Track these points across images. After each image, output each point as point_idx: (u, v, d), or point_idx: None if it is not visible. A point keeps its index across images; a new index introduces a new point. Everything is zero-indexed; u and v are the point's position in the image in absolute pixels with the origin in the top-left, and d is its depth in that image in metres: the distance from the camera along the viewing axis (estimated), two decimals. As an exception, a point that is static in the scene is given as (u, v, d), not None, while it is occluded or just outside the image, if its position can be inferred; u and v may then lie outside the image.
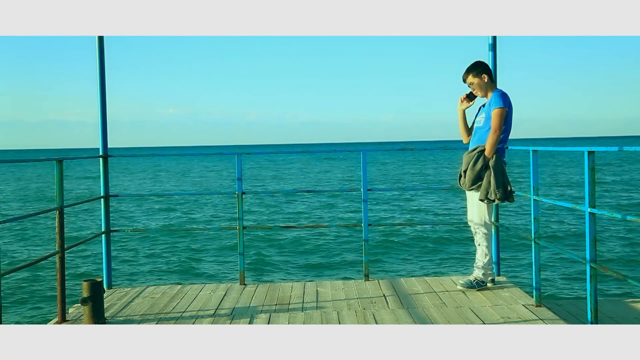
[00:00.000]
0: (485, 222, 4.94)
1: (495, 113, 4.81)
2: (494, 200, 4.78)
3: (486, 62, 5.23)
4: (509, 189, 4.80)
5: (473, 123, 5.20)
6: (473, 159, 4.87)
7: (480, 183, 4.84)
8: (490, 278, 5.09)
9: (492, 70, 5.31)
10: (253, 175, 45.38)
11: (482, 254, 5.00)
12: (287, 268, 12.26)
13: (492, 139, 4.79)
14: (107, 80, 5.44)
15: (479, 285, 4.99)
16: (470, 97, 5.11)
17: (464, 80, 5.11)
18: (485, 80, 4.99)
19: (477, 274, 5.02)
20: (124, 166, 65.49)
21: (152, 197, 26.40)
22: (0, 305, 3.53)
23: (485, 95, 5.02)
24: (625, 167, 45.96)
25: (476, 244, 5.05)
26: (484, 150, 4.85)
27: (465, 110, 5.20)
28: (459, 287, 5.02)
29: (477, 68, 5.01)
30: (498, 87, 5.07)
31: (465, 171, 4.94)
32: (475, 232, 5.02)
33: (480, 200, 4.85)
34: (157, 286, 5.56)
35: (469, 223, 5.12)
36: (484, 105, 5.08)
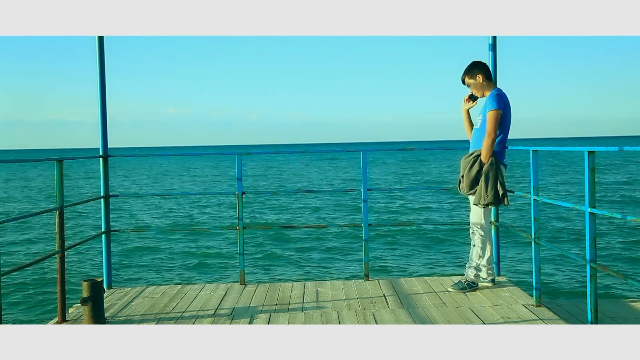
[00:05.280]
0: (481, 224, 4.95)
1: (489, 116, 4.79)
2: (487, 205, 4.79)
3: (485, 61, 5.22)
4: (500, 192, 4.78)
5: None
6: (469, 164, 4.88)
7: (477, 187, 4.86)
8: (490, 278, 5.09)
9: (492, 70, 5.31)
10: (257, 175, 45.40)
11: (476, 255, 5.01)
12: (287, 268, 12.26)
13: (487, 142, 4.77)
14: (107, 80, 5.45)
15: (470, 287, 4.98)
16: (473, 97, 5.12)
17: (463, 82, 5.12)
18: (481, 81, 4.97)
19: (469, 274, 5.02)
20: (124, 166, 65.50)
21: (152, 197, 26.41)
22: (0, 305, 3.53)
23: (483, 96, 5.02)
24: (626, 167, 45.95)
25: (472, 245, 5.06)
26: (479, 155, 4.85)
27: (470, 110, 5.21)
28: (450, 289, 5.01)
29: (473, 69, 5.01)
30: (499, 86, 5.07)
31: (463, 176, 4.95)
32: (473, 233, 5.03)
33: (475, 204, 4.88)
34: (157, 286, 5.57)
35: (470, 224, 5.14)
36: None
